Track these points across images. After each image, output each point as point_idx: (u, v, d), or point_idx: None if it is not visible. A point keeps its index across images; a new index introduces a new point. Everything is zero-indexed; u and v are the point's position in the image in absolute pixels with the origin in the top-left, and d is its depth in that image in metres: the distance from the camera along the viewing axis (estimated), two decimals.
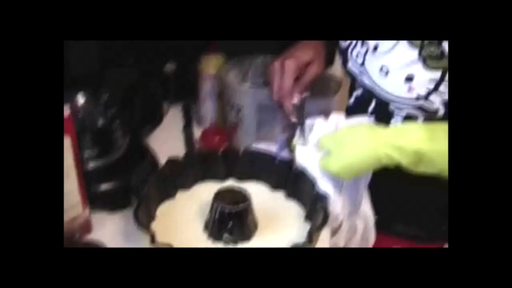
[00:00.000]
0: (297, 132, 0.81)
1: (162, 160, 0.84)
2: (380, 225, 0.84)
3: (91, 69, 0.87)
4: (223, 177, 0.85)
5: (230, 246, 0.73)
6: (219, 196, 0.74)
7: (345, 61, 0.86)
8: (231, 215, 0.72)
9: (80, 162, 0.75)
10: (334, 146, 0.72)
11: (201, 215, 0.77)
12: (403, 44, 0.75)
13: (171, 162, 0.82)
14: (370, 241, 0.84)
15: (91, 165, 0.85)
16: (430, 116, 0.77)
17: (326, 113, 0.80)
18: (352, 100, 0.93)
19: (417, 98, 0.76)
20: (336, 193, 0.75)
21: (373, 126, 0.74)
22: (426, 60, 0.73)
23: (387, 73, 0.77)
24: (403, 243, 0.93)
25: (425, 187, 0.82)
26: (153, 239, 0.67)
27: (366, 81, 0.82)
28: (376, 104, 0.86)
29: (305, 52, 0.89)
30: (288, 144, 0.83)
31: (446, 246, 0.91)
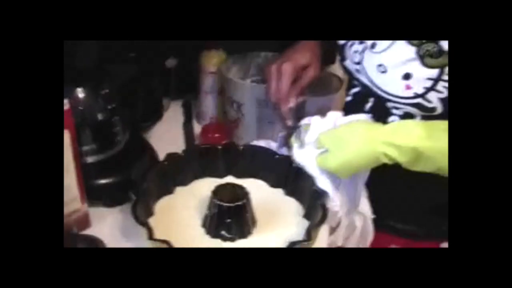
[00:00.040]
0: (293, 134, 0.81)
1: (162, 156, 0.83)
2: (378, 223, 0.84)
3: (91, 64, 0.87)
4: (223, 174, 0.85)
5: (228, 242, 0.73)
6: (218, 192, 0.74)
7: (342, 59, 0.86)
8: (230, 211, 0.72)
9: (79, 157, 0.75)
10: (332, 144, 0.72)
11: (199, 211, 0.77)
12: (401, 42, 0.75)
13: (171, 157, 0.82)
14: (368, 239, 0.84)
15: (90, 159, 0.84)
16: (427, 114, 0.77)
17: (328, 111, 0.80)
18: (349, 97, 0.93)
19: (415, 96, 0.76)
20: (334, 191, 0.75)
21: (371, 123, 0.74)
22: (424, 58, 0.73)
23: (384, 71, 0.77)
24: (400, 241, 0.93)
25: (422, 184, 0.82)
26: (150, 234, 0.67)
27: (364, 79, 0.82)
28: (374, 102, 0.85)
29: (302, 55, 0.89)
30: (288, 141, 0.83)
31: (443, 243, 0.90)
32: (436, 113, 0.76)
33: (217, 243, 0.73)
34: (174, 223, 0.76)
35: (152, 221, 0.74)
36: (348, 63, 0.84)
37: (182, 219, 0.77)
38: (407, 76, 0.75)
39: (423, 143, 0.65)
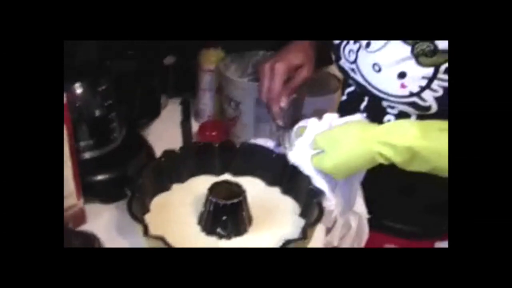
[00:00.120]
0: (285, 137, 0.81)
1: (159, 153, 0.83)
2: (373, 222, 0.84)
3: (89, 59, 0.86)
4: (219, 171, 0.85)
5: (224, 240, 0.73)
6: (214, 189, 0.74)
7: (337, 58, 0.86)
8: (225, 209, 0.72)
9: (75, 152, 0.74)
10: (328, 145, 0.72)
11: (195, 209, 0.77)
12: (395, 41, 0.74)
13: (167, 154, 0.82)
14: (364, 238, 0.84)
15: (87, 155, 0.84)
16: (422, 113, 0.77)
17: (326, 111, 0.80)
18: (344, 97, 0.93)
19: (410, 95, 0.76)
20: (330, 191, 0.75)
21: (366, 124, 0.74)
22: (419, 57, 0.73)
23: (379, 70, 0.77)
24: (395, 240, 0.93)
25: (417, 184, 0.82)
26: (146, 231, 0.67)
27: (359, 78, 0.82)
28: (369, 101, 0.86)
29: (296, 56, 0.89)
30: (282, 142, 0.83)
31: (438, 243, 0.91)
32: (431, 112, 0.76)
33: (213, 241, 0.73)
34: (170, 220, 0.76)
35: (148, 217, 0.74)
36: (343, 62, 0.85)
37: (178, 216, 0.77)
38: (402, 75, 0.75)
39: (419, 142, 0.65)
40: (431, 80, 0.73)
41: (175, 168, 0.82)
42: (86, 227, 0.78)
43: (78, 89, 0.82)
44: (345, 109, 0.83)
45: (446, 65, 0.71)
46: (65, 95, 0.67)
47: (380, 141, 0.67)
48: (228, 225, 0.73)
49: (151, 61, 1.07)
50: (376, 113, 0.82)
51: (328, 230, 0.81)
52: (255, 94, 0.96)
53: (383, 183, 0.83)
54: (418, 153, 0.65)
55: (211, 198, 0.73)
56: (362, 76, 0.81)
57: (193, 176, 0.84)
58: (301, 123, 0.80)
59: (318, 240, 0.78)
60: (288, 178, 0.81)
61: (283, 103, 0.87)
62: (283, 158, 0.81)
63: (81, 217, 0.79)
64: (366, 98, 0.86)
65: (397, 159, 0.66)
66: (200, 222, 0.75)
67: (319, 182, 0.75)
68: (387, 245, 0.94)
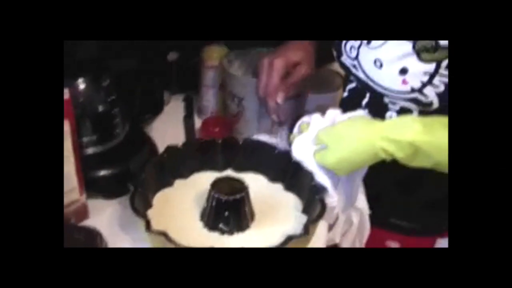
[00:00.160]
0: (280, 133, 0.81)
1: (162, 149, 0.83)
2: (374, 219, 0.84)
3: (93, 55, 0.87)
4: (222, 167, 0.85)
5: (226, 235, 0.73)
6: (216, 185, 0.74)
7: (339, 55, 0.85)
8: (228, 204, 0.72)
9: (78, 147, 0.75)
10: (331, 141, 0.72)
11: (198, 204, 0.77)
12: None
13: (170, 150, 0.82)
14: (365, 235, 0.83)
15: (90, 151, 0.84)
16: (424, 109, 0.77)
17: (329, 107, 0.80)
18: (346, 93, 0.93)
19: (411, 91, 0.76)
20: (332, 187, 0.75)
21: (368, 119, 0.74)
22: (420, 53, 0.72)
23: (381, 66, 0.77)
24: (396, 236, 0.93)
25: (418, 180, 0.82)
26: (148, 225, 0.67)
27: (360, 74, 0.82)
28: (370, 98, 0.85)
29: (295, 53, 0.89)
30: (288, 136, 0.83)
31: (439, 239, 0.90)
32: (432, 108, 0.76)
33: (215, 236, 0.73)
34: (172, 215, 0.76)
35: (150, 213, 0.74)
36: (344, 58, 0.84)
37: (180, 211, 0.77)
38: (403, 71, 0.75)
39: (421, 137, 0.64)
40: (432, 76, 0.73)
41: (177, 164, 0.82)
42: (88, 223, 0.79)
43: (81, 85, 0.82)
44: (346, 106, 0.83)
45: (447, 61, 0.71)
46: (68, 90, 0.68)
47: (382, 137, 0.67)
48: (231, 220, 0.73)
49: (154, 58, 1.07)
50: (377, 109, 0.82)
51: (330, 227, 0.81)
52: None
53: (385, 180, 0.83)
54: (420, 148, 0.65)
55: (213, 193, 0.73)
56: (364, 72, 0.81)
57: (195, 172, 0.84)
58: (304, 119, 0.80)
59: (320, 236, 0.77)
60: (291, 175, 0.81)
61: (280, 98, 0.87)
62: (286, 154, 0.81)
63: (83, 212, 0.79)
64: (367, 95, 0.86)
65: (399, 154, 0.66)
66: (202, 217, 0.75)
67: (321, 178, 0.75)
68: (388, 242, 0.94)
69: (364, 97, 0.86)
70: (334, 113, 0.77)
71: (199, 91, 1.12)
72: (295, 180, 0.81)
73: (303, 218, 0.75)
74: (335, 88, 1.06)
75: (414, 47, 0.73)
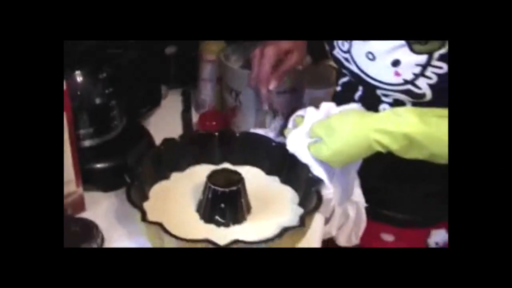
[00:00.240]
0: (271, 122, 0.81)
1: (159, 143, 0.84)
2: (370, 211, 0.84)
3: (90, 47, 0.86)
4: (219, 160, 0.85)
5: (222, 227, 0.73)
6: (213, 177, 0.74)
7: (331, 49, 0.85)
8: (224, 196, 0.72)
9: (75, 140, 0.75)
10: (325, 133, 0.72)
11: (194, 197, 0.77)
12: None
13: (167, 143, 0.82)
14: (362, 227, 0.84)
15: (87, 143, 0.84)
16: (417, 100, 0.77)
17: (324, 101, 0.80)
18: (338, 88, 0.93)
19: (404, 83, 0.76)
20: (328, 180, 0.75)
21: (362, 112, 0.75)
22: (412, 44, 0.72)
23: (373, 58, 0.77)
24: (392, 229, 0.93)
25: (414, 173, 0.82)
26: (144, 217, 0.67)
27: (353, 67, 0.82)
28: (363, 91, 0.85)
29: (285, 41, 0.89)
30: (281, 128, 0.83)
31: (434, 230, 0.91)
32: (425, 99, 0.76)
33: (211, 228, 0.73)
34: (169, 208, 0.76)
35: (146, 205, 0.74)
36: (336, 52, 0.84)
37: (176, 204, 0.77)
38: (395, 63, 0.75)
39: (415, 128, 0.65)
40: (424, 67, 0.73)
41: (174, 157, 0.82)
42: (85, 215, 0.79)
43: (79, 77, 0.83)
44: (339, 100, 0.83)
45: (439, 51, 0.71)
46: (65, 82, 0.68)
47: (376, 129, 0.67)
48: (227, 212, 0.73)
49: (152, 51, 1.07)
50: (371, 102, 0.82)
51: (327, 220, 0.81)
52: None
53: (380, 172, 0.83)
54: (415, 139, 0.65)
55: (209, 185, 0.73)
56: (356, 65, 0.81)
57: (192, 165, 0.84)
58: (299, 112, 0.81)
59: (317, 229, 0.78)
60: (288, 168, 0.81)
61: (272, 85, 0.87)
62: (282, 147, 0.81)
63: (80, 205, 0.80)
64: (360, 88, 0.86)
65: (394, 146, 0.66)
66: (198, 209, 0.75)
67: (317, 170, 0.75)
68: (382, 234, 0.94)
69: (357, 90, 0.87)
70: (328, 106, 0.78)
71: (197, 85, 1.12)
72: (291, 173, 0.81)
73: (300, 211, 0.76)
74: (332, 84, 1.06)
75: None
